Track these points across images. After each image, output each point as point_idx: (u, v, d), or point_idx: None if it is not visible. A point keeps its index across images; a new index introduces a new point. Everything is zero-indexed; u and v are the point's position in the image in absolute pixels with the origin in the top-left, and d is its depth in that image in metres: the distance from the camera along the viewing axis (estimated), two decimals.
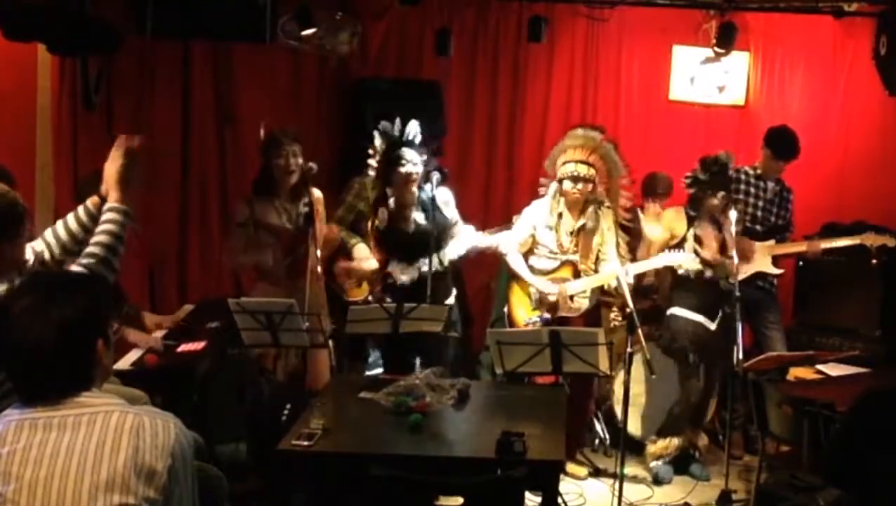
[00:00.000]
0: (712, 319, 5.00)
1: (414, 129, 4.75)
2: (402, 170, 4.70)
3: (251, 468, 4.51)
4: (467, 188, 6.43)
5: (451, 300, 4.91)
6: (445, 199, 4.87)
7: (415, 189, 4.76)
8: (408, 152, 4.71)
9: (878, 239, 5.16)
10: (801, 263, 5.86)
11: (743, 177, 5.44)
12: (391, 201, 4.76)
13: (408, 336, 4.35)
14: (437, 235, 4.74)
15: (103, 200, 2.85)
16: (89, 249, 2.71)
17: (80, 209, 2.89)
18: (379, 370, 5.21)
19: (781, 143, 5.37)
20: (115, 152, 2.85)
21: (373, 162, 4.79)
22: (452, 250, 4.84)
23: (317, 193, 4.85)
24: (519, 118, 6.59)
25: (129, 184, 2.82)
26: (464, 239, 4.86)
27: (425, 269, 4.68)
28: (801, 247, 5.34)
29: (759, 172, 5.46)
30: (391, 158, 4.71)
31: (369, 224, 4.87)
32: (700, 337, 4.98)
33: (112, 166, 2.83)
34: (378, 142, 4.76)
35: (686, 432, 5.04)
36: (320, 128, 6.45)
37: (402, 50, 6.53)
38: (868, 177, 6.35)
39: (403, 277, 4.79)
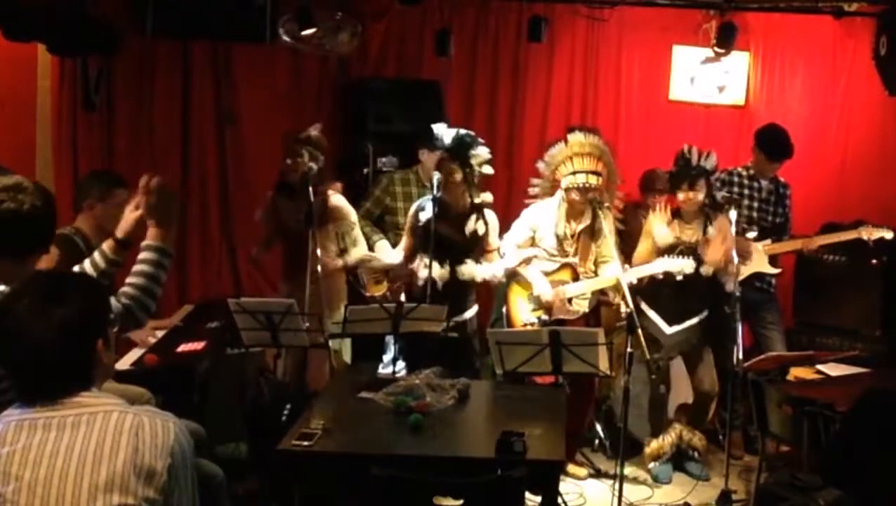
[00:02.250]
0: (681, 321, 4.97)
1: (451, 136, 4.75)
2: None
3: (251, 468, 4.51)
4: None
5: (471, 312, 4.90)
6: (492, 222, 4.86)
7: (465, 195, 4.75)
8: (453, 163, 4.71)
9: (874, 232, 5.16)
10: (800, 262, 5.86)
11: (736, 179, 5.44)
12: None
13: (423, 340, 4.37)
14: (466, 245, 4.77)
15: (118, 243, 2.82)
16: (125, 288, 2.71)
17: (96, 253, 2.85)
18: (390, 369, 5.20)
19: (775, 144, 5.36)
20: (141, 194, 2.75)
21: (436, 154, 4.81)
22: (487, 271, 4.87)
23: (337, 200, 4.87)
24: (519, 118, 6.59)
25: (168, 221, 2.76)
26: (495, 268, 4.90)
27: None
28: (796, 245, 5.34)
29: (751, 172, 5.45)
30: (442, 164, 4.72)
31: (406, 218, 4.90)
32: (666, 343, 4.98)
33: (143, 204, 2.75)
34: (441, 140, 4.75)
35: (676, 427, 5.03)
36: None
37: (402, 50, 6.53)
38: (868, 177, 6.36)
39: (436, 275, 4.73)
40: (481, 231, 4.78)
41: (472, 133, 4.80)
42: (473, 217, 4.76)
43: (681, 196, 4.89)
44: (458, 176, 4.69)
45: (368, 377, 4.41)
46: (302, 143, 4.81)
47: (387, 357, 5.37)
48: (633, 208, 5.64)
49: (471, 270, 4.80)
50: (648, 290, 4.99)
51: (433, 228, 4.64)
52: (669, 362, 5.08)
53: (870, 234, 5.16)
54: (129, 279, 2.73)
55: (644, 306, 5.01)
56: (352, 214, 5.01)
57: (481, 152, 4.76)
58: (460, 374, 4.12)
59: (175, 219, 2.78)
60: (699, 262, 4.83)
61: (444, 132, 4.73)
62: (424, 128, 5.05)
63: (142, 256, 2.74)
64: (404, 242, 4.95)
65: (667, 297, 4.95)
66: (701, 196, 4.87)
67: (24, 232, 2.56)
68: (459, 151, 4.70)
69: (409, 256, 4.89)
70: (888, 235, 5.15)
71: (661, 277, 4.80)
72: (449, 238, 4.73)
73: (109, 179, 4.31)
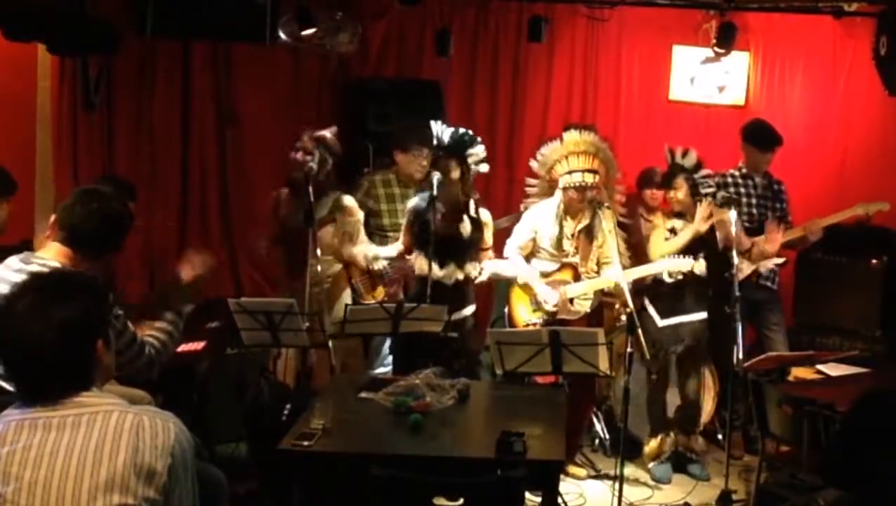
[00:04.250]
0: (671, 315, 5.02)
1: (449, 135, 4.76)
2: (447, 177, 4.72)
3: (251, 468, 4.51)
4: None
5: (470, 309, 4.91)
6: (486, 220, 4.90)
7: (460, 194, 4.75)
8: (451, 161, 4.71)
9: (871, 206, 5.28)
10: (800, 262, 5.86)
11: (730, 180, 5.44)
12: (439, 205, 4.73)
13: (418, 339, 4.36)
14: (463, 244, 4.78)
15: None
16: (150, 340, 3.06)
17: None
18: (384, 369, 5.20)
19: (762, 134, 5.41)
20: (195, 265, 3.33)
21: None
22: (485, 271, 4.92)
23: (348, 201, 4.87)
24: (519, 118, 6.59)
25: (197, 295, 3.34)
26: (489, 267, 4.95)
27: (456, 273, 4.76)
28: (799, 232, 5.35)
29: (744, 171, 5.47)
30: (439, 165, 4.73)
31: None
32: (659, 338, 5.00)
33: (188, 273, 3.29)
34: (440, 138, 4.76)
35: (675, 428, 5.04)
36: (320, 128, 6.43)
37: (402, 50, 6.54)
38: (868, 177, 6.35)
39: (439, 273, 4.76)
40: (467, 232, 4.77)
41: (470, 132, 4.80)
42: (467, 216, 4.77)
43: (676, 196, 4.99)
44: (456, 174, 4.70)
45: (368, 377, 4.41)
46: (317, 141, 4.80)
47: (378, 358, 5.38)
48: (631, 203, 5.65)
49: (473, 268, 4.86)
50: (651, 286, 5.04)
51: (433, 228, 4.65)
52: (669, 358, 5.08)
53: (866, 208, 5.27)
54: (154, 333, 3.10)
55: (646, 301, 5.06)
56: (359, 212, 5.01)
57: (478, 151, 4.76)
58: (459, 372, 4.13)
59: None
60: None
61: (442, 130, 4.74)
62: (402, 129, 5.10)
63: (169, 316, 3.19)
64: (402, 238, 4.95)
65: (665, 292, 5.01)
66: (681, 194, 4.97)
67: (110, 231, 2.96)
68: (457, 148, 4.71)
69: (408, 251, 4.91)
70: (884, 207, 5.28)
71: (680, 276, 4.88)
72: (446, 237, 4.73)
73: (121, 192, 4.23)
